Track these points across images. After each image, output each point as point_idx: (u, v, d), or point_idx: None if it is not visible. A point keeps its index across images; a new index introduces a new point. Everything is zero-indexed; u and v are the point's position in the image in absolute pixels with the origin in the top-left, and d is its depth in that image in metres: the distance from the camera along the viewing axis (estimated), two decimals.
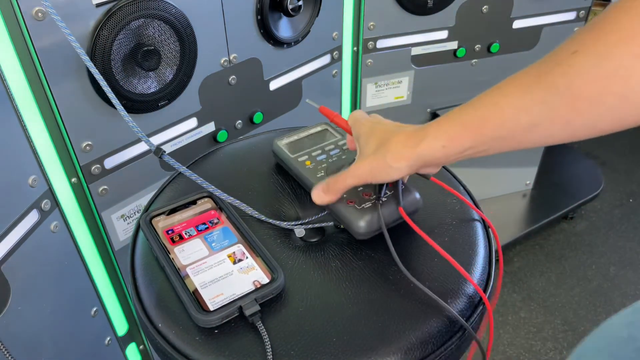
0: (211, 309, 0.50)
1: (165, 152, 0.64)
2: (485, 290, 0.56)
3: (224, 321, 0.50)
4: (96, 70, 0.65)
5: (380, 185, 0.61)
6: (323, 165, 0.66)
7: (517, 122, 0.44)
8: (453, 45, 1.37)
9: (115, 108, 0.86)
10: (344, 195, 0.61)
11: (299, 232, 0.63)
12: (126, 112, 0.64)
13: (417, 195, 0.62)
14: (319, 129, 0.74)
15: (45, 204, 0.84)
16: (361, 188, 0.62)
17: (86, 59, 0.64)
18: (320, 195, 0.59)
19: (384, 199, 0.60)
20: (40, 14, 0.74)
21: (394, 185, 0.61)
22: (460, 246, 0.60)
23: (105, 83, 0.65)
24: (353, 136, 0.59)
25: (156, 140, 0.98)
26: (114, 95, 0.65)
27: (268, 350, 0.47)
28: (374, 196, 0.60)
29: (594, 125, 0.42)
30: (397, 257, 0.54)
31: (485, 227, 0.64)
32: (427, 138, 0.49)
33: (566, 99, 0.41)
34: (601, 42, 0.39)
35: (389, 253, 0.58)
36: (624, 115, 0.40)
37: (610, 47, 0.39)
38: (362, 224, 0.58)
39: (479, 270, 0.57)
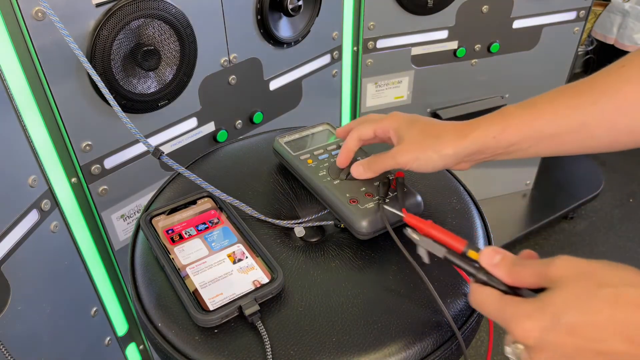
0: (211, 308, 0.50)
1: (163, 153, 0.64)
2: None
3: (224, 321, 0.50)
4: (94, 72, 0.65)
5: (384, 186, 0.61)
6: (325, 165, 0.66)
7: (568, 120, 0.49)
8: (453, 45, 1.37)
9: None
10: (347, 195, 0.61)
11: (299, 231, 0.63)
12: (124, 114, 0.64)
13: (419, 198, 0.62)
14: (320, 128, 0.74)
15: (45, 204, 0.84)
16: (364, 188, 0.62)
17: (84, 59, 0.64)
18: (360, 170, 0.61)
19: (387, 200, 0.60)
20: (40, 14, 0.74)
21: (396, 186, 0.61)
22: None
23: (103, 84, 0.65)
24: (390, 128, 0.58)
25: (156, 140, 0.98)
26: (111, 97, 0.65)
27: (268, 350, 0.47)
28: (377, 197, 0.60)
29: (633, 129, 0.48)
30: (408, 253, 0.54)
31: (485, 227, 0.64)
32: (479, 128, 0.52)
33: (614, 102, 0.47)
34: None
35: (389, 253, 0.58)
36: None
37: None
38: (364, 223, 0.58)
39: None
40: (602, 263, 0.38)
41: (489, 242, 0.62)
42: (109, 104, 0.86)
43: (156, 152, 0.63)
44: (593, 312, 0.36)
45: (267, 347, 0.48)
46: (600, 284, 0.36)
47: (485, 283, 0.43)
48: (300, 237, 0.63)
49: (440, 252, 0.46)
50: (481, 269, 0.44)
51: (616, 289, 0.36)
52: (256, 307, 0.50)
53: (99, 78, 0.65)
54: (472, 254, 0.45)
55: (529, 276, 0.41)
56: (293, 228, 0.64)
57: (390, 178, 0.63)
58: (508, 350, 0.41)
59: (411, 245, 0.51)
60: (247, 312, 0.50)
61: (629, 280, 0.36)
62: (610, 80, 0.48)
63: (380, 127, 0.59)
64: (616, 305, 0.35)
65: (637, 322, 0.34)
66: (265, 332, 0.49)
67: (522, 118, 0.51)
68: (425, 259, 0.48)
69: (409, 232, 0.49)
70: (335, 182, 0.63)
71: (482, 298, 0.43)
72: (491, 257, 0.43)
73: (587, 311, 0.36)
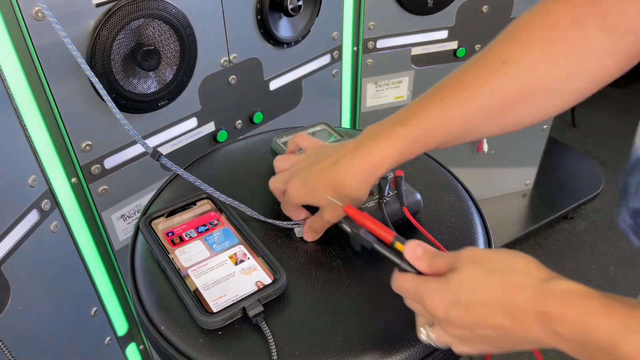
0: (214, 310, 0.50)
1: (162, 154, 0.63)
2: None
3: (228, 322, 0.50)
4: (92, 73, 0.64)
5: (384, 186, 0.61)
6: None
7: (462, 129, 0.51)
8: (453, 45, 1.36)
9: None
10: None
11: (299, 231, 0.63)
12: (122, 116, 0.63)
13: (418, 196, 0.62)
14: (318, 128, 0.74)
15: (45, 204, 0.84)
16: None
17: (82, 61, 0.63)
18: (310, 237, 0.61)
19: (387, 199, 0.60)
20: (40, 14, 0.73)
21: (396, 185, 0.61)
22: (461, 243, 0.60)
23: (101, 86, 0.64)
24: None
25: (156, 140, 0.98)
26: (109, 98, 0.64)
27: (273, 351, 0.47)
28: (377, 196, 0.60)
29: (520, 121, 0.51)
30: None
31: (484, 224, 0.64)
32: (378, 154, 0.52)
33: (503, 104, 0.49)
34: (526, 53, 0.48)
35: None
36: (549, 110, 0.51)
37: (534, 58, 0.48)
38: None
39: None
40: (498, 252, 0.44)
41: (487, 238, 0.62)
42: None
43: (155, 154, 0.63)
44: (484, 293, 0.41)
45: (272, 348, 0.48)
46: (492, 270, 0.42)
47: (407, 271, 0.47)
48: (300, 237, 0.63)
49: (370, 242, 0.50)
50: (404, 259, 0.47)
51: (504, 275, 0.41)
52: (260, 308, 0.50)
53: (97, 80, 0.65)
54: (398, 245, 0.48)
55: (444, 267, 0.45)
56: (293, 229, 0.63)
57: (390, 177, 0.63)
58: (423, 332, 0.47)
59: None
60: (251, 313, 0.50)
61: (517, 267, 0.41)
62: (496, 81, 0.49)
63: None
64: (503, 289, 0.40)
65: (518, 304, 0.39)
66: (269, 333, 0.49)
67: (419, 138, 0.51)
68: (357, 247, 0.52)
69: (342, 223, 0.53)
70: None
71: (402, 283, 0.47)
72: (414, 251, 0.46)
73: (480, 292, 0.41)
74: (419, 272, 0.46)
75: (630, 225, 0.52)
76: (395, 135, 0.51)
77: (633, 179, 0.51)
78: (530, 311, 0.39)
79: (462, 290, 0.42)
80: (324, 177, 0.54)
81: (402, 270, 0.47)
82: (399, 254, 0.47)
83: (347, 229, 0.52)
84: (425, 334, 0.47)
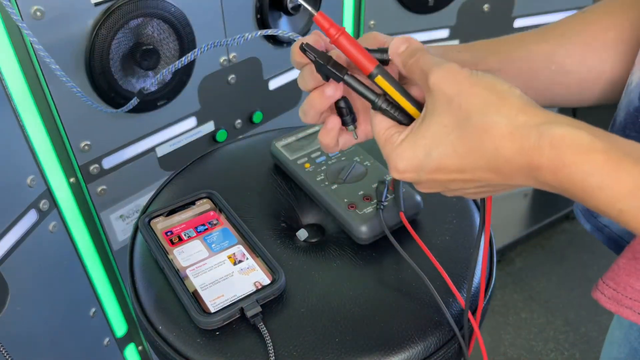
0: (212, 310, 0.50)
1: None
2: (486, 289, 0.56)
3: (225, 323, 0.50)
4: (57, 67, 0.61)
5: (382, 190, 0.60)
6: (323, 168, 0.66)
7: (537, 47, 0.50)
8: (454, 44, 1.36)
9: (114, 107, 0.86)
10: (345, 200, 0.60)
11: (302, 234, 0.63)
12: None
13: (418, 198, 0.61)
14: (317, 128, 0.74)
15: (44, 204, 0.84)
16: (362, 192, 0.61)
17: (53, 63, 0.60)
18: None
19: (385, 203, 0.59)
20: (38, 13, 0.73)
21: (394, 188, 0.61)
22: (462, 245, 0.59)
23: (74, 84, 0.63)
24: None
25: (155, 139, 0.98)
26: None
27: (270, 352, 0.47)
28: (375, 200, 0.60)
29: (602, 70, 0.49)
30: (408, 256, 0.53)
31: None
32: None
33: (583, 37, 0.50)
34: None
35: (390, 253, 0.58)
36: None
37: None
38: (363, 229, 0.57)
39: (479, 270, 0.57)
40: (479, 82, 0.36)
41: (489, 239, 0.62)
42: (108, 103, 0.85)
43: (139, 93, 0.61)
44: (461, 144, 0.36)
45: (270, 348, 0.47)
46: (469, 112, 0.35)
47: (384, 111, 0.42)
48: (304, 240, 0.63)
49: (339, 75, 0.42)
50: (381, 96, 0.42)
51: (485, 119, 0.35)
52: (258, 309, 0.50)
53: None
54: (379, 81, 0.41)
55: (417, 74, 0.39)
56: (297, 230, 0.63)
57: (388, 180, 0.62)
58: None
59: (410, 248, 0.50)
60: (249, 313, 0.49)
61: (502, 105, 0.35)
62: (574, 22, 0.50)
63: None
64: (484, 136, 0.35)
65: (503, 154, 0.34)
66: (267, 334, 0.48)
67: (490, 42, 0.51)
68: (322, 78, 0.44)
69: (304, 47, 0.43)
70: (333, 187, 0.63)
71: (374, 128, 0.43)
72: (397, 46, 0.41)
73: (456, 143, 0.36)
74: (396, 114, 0.42)
75: (582, 209, 0.52)
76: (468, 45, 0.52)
77: None
78: (518, 163, 0.34)
79: (436, 145, 0.37)
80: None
81: (377, 109, 0.42)
82: (377, 90, 0.42)
83: (311, 56, 0.42)
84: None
